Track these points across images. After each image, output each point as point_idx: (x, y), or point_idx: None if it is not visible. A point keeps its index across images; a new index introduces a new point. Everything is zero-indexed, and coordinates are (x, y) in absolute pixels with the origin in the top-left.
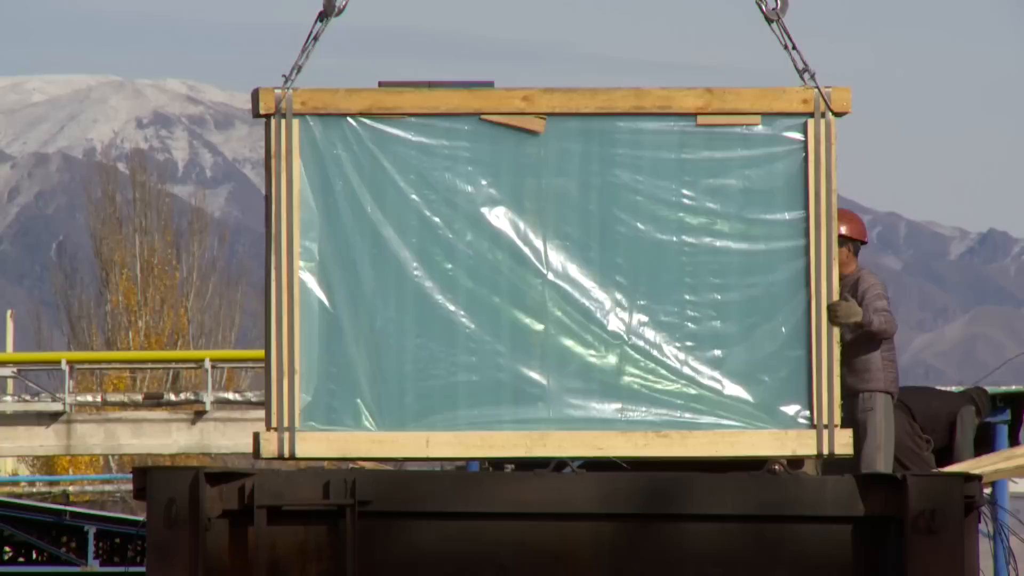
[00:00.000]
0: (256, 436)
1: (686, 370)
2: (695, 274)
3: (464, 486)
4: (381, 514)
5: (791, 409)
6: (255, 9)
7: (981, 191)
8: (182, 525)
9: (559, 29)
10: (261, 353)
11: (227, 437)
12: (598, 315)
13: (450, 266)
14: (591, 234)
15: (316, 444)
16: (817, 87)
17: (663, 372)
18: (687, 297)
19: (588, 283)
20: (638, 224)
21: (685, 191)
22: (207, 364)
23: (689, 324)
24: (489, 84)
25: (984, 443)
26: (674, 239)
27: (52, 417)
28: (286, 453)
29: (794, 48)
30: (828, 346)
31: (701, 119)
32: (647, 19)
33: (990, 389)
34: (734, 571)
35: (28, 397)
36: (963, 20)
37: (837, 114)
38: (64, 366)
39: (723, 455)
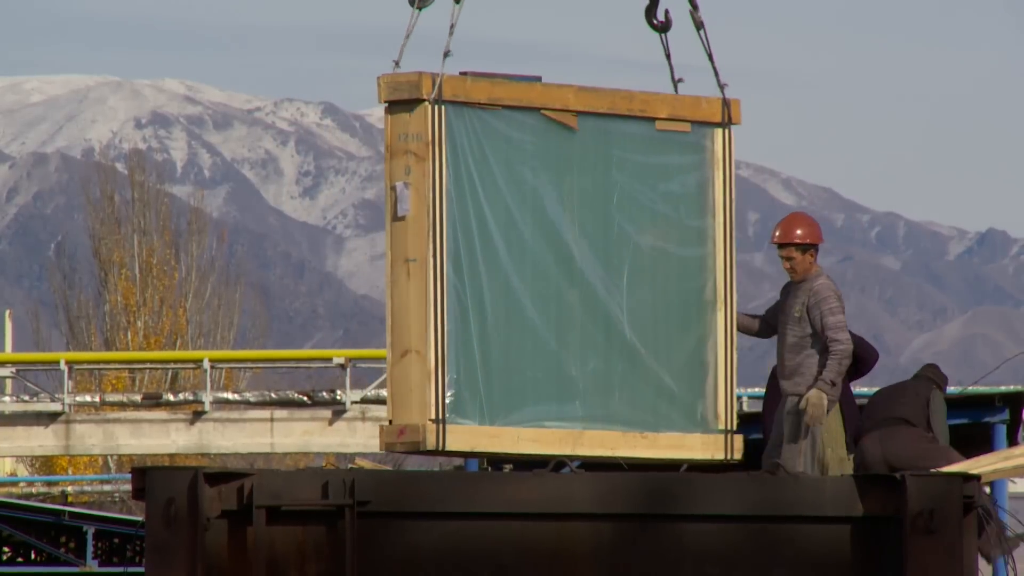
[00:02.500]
0: (403, 428)
1: (643, 374)
2: (654, 279)
3: (463, 486)
4: (380, 514)
5: (710, 414)
6: (255, 9)
7: (980, 191)
8: (181, 525)
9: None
10: (260, 353)
11: (226, 437)
12: (606, 316)
13: (523, 265)
14: (608, 237)
15: (455, 438)
16: (724, 98)
17: (630, 376)
18: (652, 302)
19: (603, 286)
20: (630, 228)
21: (655, 195)
22: (206, 364)
23: (648, 330)
24: (537, 79)
25: (982, 443)
26: (651, 245)
27: (51, 417)
28: (441, 446)
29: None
30: (729, 354)
31: (659, 124)
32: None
33: (989, 389)
34: (734, 571)
35: (27, 397)
36: (963, 20)
37: (734, 125)
38: (63, 366)
39: (654, 457)
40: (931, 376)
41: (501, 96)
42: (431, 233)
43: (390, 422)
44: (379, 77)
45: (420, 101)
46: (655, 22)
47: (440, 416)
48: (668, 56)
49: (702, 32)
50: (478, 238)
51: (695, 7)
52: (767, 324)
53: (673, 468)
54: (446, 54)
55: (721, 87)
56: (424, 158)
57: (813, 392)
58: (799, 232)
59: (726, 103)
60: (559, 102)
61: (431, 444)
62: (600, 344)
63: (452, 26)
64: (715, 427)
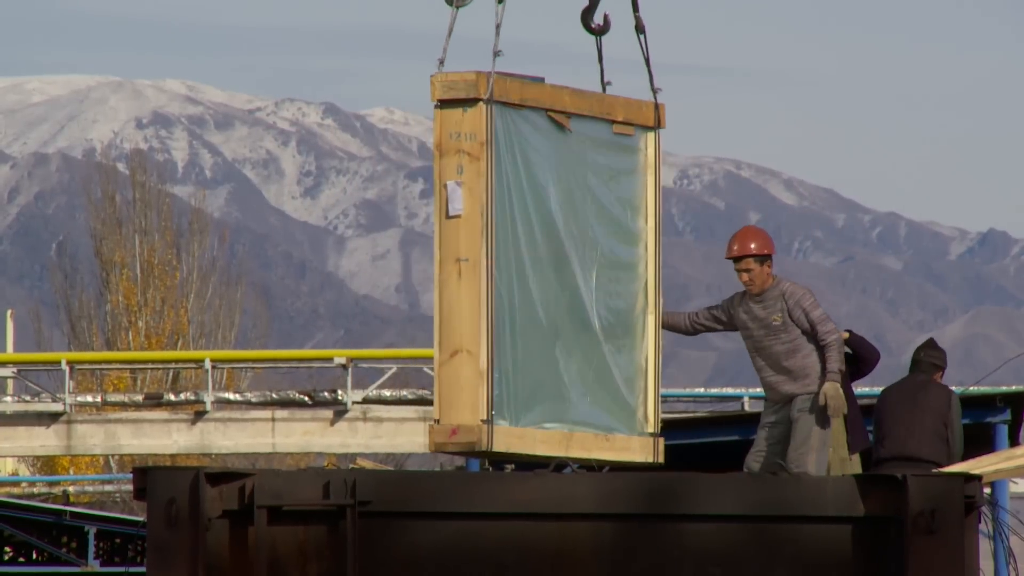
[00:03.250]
0: (455, 428)
1: (604, 378)
2: (612, 282)
3: (464, 486)
4: (381, 514)
5: (645, 417)
6: (255, 9)
7: (981, 191)
8: (182, 525)
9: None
10: (261, 353)
11: (227, 437)
12: (585, 319)
13: (536, 266)
14: (585, 240)
15: (498, 439)
16: (656, 102)
17: (592, 379)
18: (609, 306)
19: (584, 289)
20: (597, 231)
21: (612, 198)
22: (207, 364)
23: (609, 333)
24: (541, 79)
25: (984, 443)
26: (610, 248)
27: (52, 417)
28: (490, 446)
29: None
30: (658, 357)
31: (616, 127)
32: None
33: (990, 389)
34: (734, 571)
35: (28, 397)
36: (963, 20)
37: (661, 129)
38: (64, 366)
39: (604, 459)
40: (934, 362)
41: (526, 97)
42: (484, 233)
43: (437, 422)
44: (432, 76)
45: (476, 100)
46: (593, 25)
47: (489, 416)
48: (600, 59)
49: (642, 36)
50: (511, 238)
51: (636, 8)
52: (698, 324)
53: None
54: (496, 53)
55: (654, 91)
56: (478, 157)
57: (828, 385)
58: (753, 245)
59: (657, 107)
60: (558, 103)
61: (484, 444)
62: (581, 346)
63: (498, 25)
64: (647, 430)
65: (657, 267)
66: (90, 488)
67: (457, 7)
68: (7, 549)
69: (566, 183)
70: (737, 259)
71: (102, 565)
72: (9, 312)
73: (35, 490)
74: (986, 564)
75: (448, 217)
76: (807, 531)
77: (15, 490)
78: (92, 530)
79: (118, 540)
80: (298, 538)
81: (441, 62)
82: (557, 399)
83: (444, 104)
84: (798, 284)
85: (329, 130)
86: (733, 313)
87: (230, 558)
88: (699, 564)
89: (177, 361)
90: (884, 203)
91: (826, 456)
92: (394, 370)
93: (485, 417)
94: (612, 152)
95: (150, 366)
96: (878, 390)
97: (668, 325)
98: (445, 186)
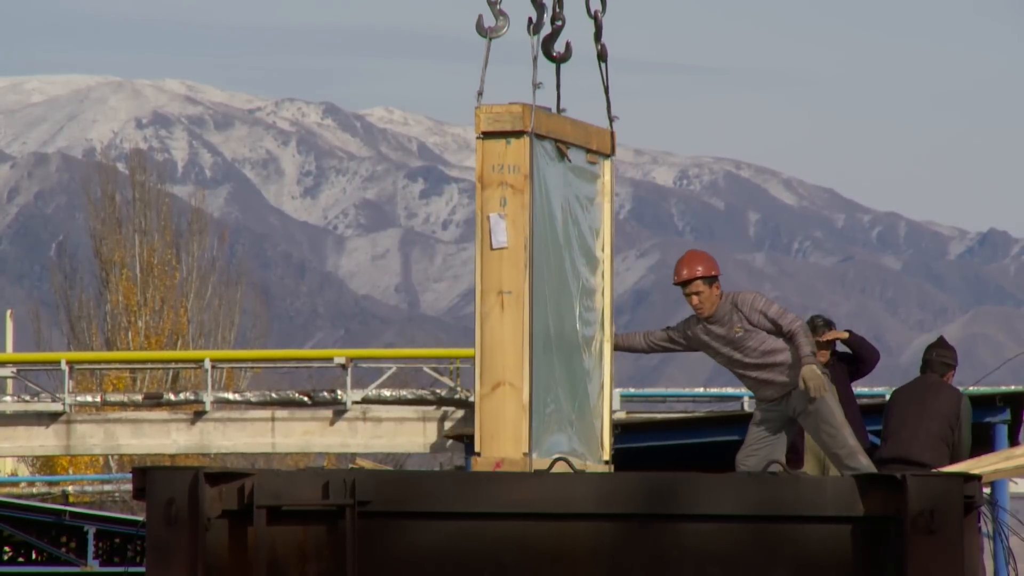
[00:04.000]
0: (499, 461)
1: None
2: (586, 311)
3: (464, 486)
4: (381, 514)
5: (601, 445)
6: (255, 9)
7: (981, 191)
8: (182, 525)
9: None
10: (260, 353)
11: (227, 437)
12: (575, 348)
13: (553, 297)
14: (572, 269)
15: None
16: (612, 130)
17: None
18: (584, 335)
19: (576, 319)
20: (578, 260)
21: (584, 226)
22: (207, 364)
23: (588, 362)
24: (548, 109)
25: (984, 443)
26: (586, 276)
27: (52, 417)
28: None
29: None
30: (611, 385)
31: (588, 156)
32: (642, 19)
33: (990, 389)
34: (734, 571)
35: (28, 397)
36: (963, 20)
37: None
38: (64, 366)
39: None
40: (945, 361)
41: (550, 128)
42: (527, 265)
43: (478, 454)
44: (477, 108)
45: (521, 133)
46: (554, 53)
47: (529, 449)
48: (558, 85)
49: (603, 64)
50: (543, 270)
51: (599, 37)
52: (655, 344)
53: None
54: (536, 86)
55: (611, 119)
56: (522, 190)
57: (805, 368)
58: (700, 268)
59: (613, 135)
60: (563, 132)
61: None
62: (573, 375)
63: (535, 57)
64: (603, 458)
65: (612, 294)
66: (90, 488)
67: (491, 38)
68: (7, 549)
69: (565, 212)
70: (686, 283)
71: (101, 565)
72: (9, 312)
73: (34, 490)
74: (986, 564)
75: (492, 249)
76: (806, 531)
77: (15, 490)
78: (91, 530)
79: (117, 540)
80: (297, 538)
81: (480, 94)
82: (565, 429)
83: (487, 136)
84: (743, 291)
85: (329, 130)
86: (692, 335)
87: (229, 558)
88: (699, 564)
89: (177, 361)
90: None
91: (850, 429)
92: (394, 370)
93: (526, 450)
94: (586, 180)
95: (150, 366)
96: (878, 390)
97: (624, 346)
98: (488, 218)
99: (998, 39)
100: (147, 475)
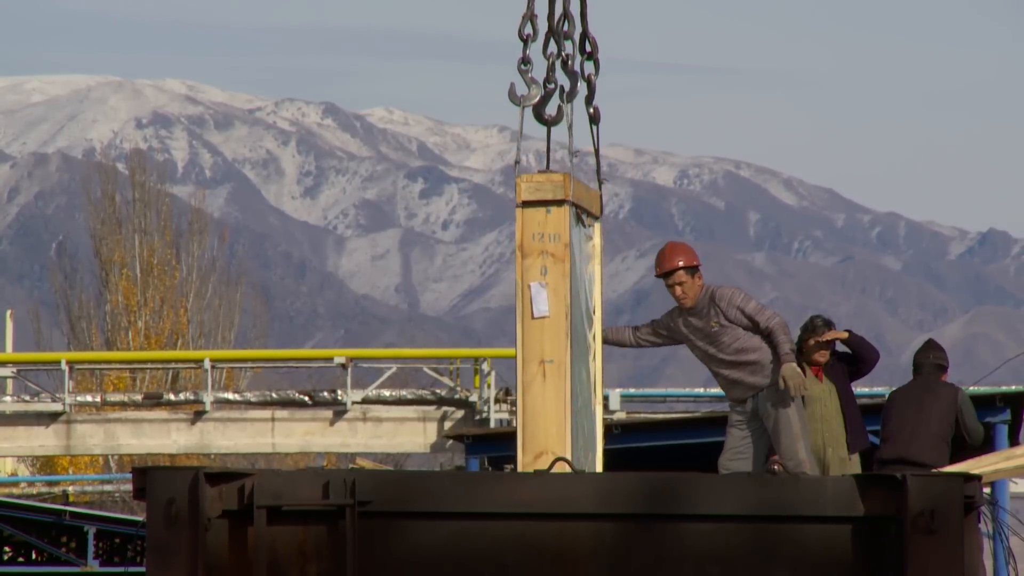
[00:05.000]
0: None
1: None
2: (586, 369)
3: (464, 486)
4: (381, 514)
5: None
6: (255, 9)
7: (981, 191)
8: (182, 525)
9: None
10: (260, 353)
11: (227, 437)
12: (591, 407)
13: (582, 360)
14: (587, 334)
15: None
16: (601, 193)
17: None
18: (582, 397)
19: (590, 378)
20: (583, 320)
21: (588, 284)
22: (207, 364)
23: (587, 426)
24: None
25: (984, 443)
26: (585, 335)
27: (52, 417)
28: None
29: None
30: (602, 433)
31: (587, 218)
32: (642, 19)
33: (990, 389)
34: (734, 571)
35: (28, 397)
36: (963, 20)
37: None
38: (64, 366)
39: None
40: (939, 363)
41: (578, 195)
42: (568, 334)
43: None
44: (518, 179)
45: (562, 202)
46: (546, 116)
47: None
48: (548, 147)
49: (595, 127)
50: (576, 338)
51: (591, 101)
52: (642, 339)
53: None
54: (573, 154)
55: (600, 181)
56: (563, 259)
57: (785, 367)
58: (682, 260)
59: (600, 197)
60: (581, 197)
61: None
62: (585, 440)
63: (570, 125)
64: None
65: (601, 356)
66: (89, 488)
67: (524, 106)
68: (7, 549)
69: (580, 273)
70: (668, 274)
71: (102, 565)
72: (9, 312)
73: (34, 490)
74: (986, 564)
75: (533, 318)
76: (806, 531)
77: (15, 490)
78: (92, 530)
79: (117, 540)
80: (298, 538)
81: (517, 162)
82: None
83: (527, 204)
84: (725, 286)
85: (329, 130)
86: (674, 327)
87: (230, 558)
88: (698, 564)
89: (177, 361)
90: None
91: (809, 442)
92: (394, 370)
93: None
94: (586, 241)
95: (150, 366)
96: (878, 390)
97: (612, 340)
98: (529, 287)
99: (998, 39)
100: (147, 475)
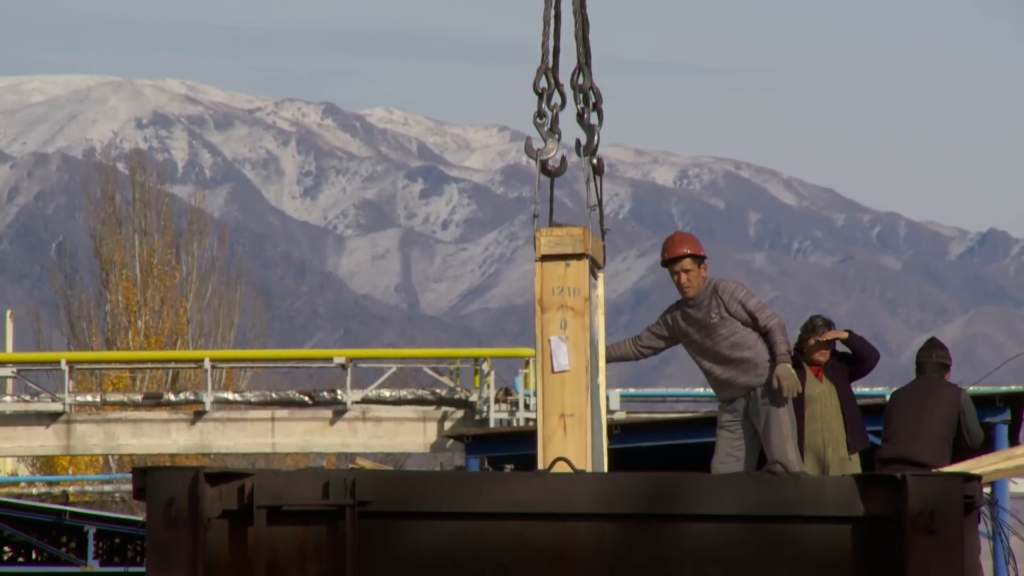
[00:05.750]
0: None
1: None
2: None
3: (464, 486)
4: (381, 514)
5: None
6: (255, 9)
7: (981, 191)
8: (182, 525)
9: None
10: (260, 353)
11: (227, 437)
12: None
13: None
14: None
15: None
16: (604, 243)
17: None
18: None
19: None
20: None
21: (593, 336)
22: (207, 364)
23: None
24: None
25: (984, 443)
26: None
27: (52, 417)
28: None
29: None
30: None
31: (596, 270)
32: (642, 19)
33: (990, 389)
34: (734, 571)
35: (28, 397)
36: (964, 20)
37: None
38: (64, 366)
39: None
40: (942, 362)
41: (593, 249)
42: (588, 387)
43: None
44: (537, 233)
45: (582, 256)
46: (550, 167)
47: None
48: (552, 199)
49: (599, 178)
50: (593, 390)
51: (594, 152)
52: (642, 347)
53: None
54: (591, 208)
55: (604, 232)
56: (582, 313)
57: (780, 367)
58: (687, 249)
59: (604, 248)
60: (594, 250)
61: None
62: None
63: (587, 180)
64: None
65: (605, 411)
66: (89, 488)
67: (540, 160)
68: (7, 549)
69: (593, 325)
70: (674, 261)
71: (102, 565)
72: (9, 312)
73: (34, 490)
74: (986, 564)
75: (553, 373)
76: (806, 531)
77: (15, 490)
78: (92, 530)
79: (117, 540)
80: (298, 538)
81: (535, 216)
82: None
83: (546, 258)
84: (727, 279)
85: (329, 130)
86: (672, 323)
87: (229, 558)
88: (699, 564)
89: (176, 361)
90: (884, 203)
91: (797, 443)
92: (393, 370)
93: None
94: (593, 291)
95: (149, 366)
96: (878, 390)
97: (615, 357)
98: (549, 341)
99: (998, 39)
100: (147, 475)
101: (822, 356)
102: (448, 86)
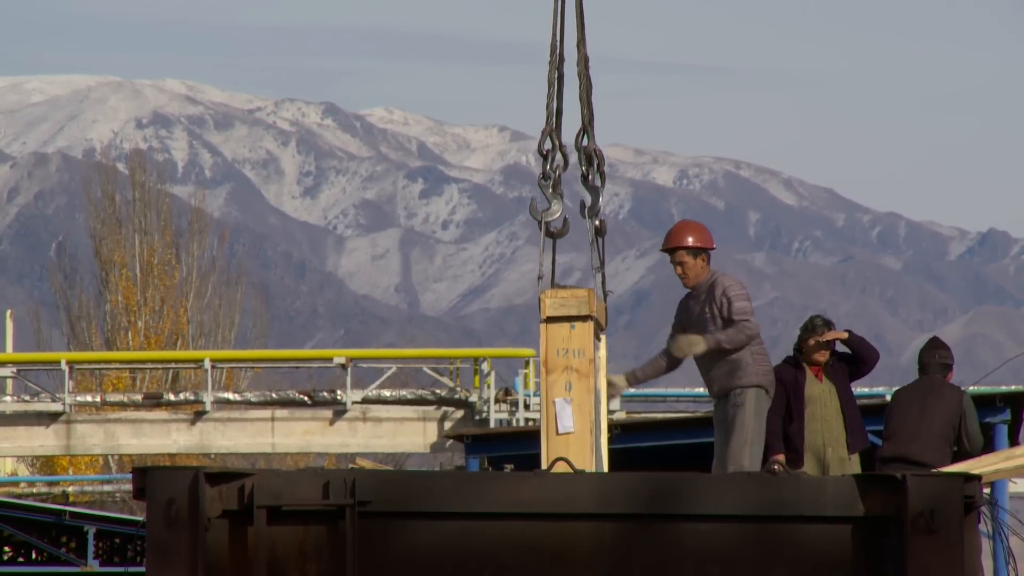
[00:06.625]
0: None
1: None
2: None
3: (464, 486)
4: (381, 514)
5: None
6: (255, 9)
7: (981, 191)
8: (182, 525)
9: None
10: (260, 353)
11: (227, 437)
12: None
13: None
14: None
15: None
16: (605, 304)
17: None
18: None
19: None
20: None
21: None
22: (207, 364)
23: None
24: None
25: (985, 443)
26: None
27: (52, 417)
28: None
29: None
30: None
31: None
32: (642, 19)
33: (990, 389)
34: (734, 571)
35: (28, 397)
36: (964, 20)
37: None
38: (64, 366)
39: None
40: (944, 362)
41: (597, 310)
42: (594, 448)
43: None
44: (542, 294)
45: (587, 318)
46: (552, 228)
47: None
48: (553, 262)
49: (601, 240)
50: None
51: (597, 212)
52: (672, 357)
53: None
54: (597, 269)
55: (606, 294)
56: (587, 375)
57: (693, 337)
58: (690, 239)
59: (606, 310)
60: (597, 311)
61: None
62: None
63: (592, 242)
64: None
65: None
66: (89, 488)
67: (544, 221)
68: (7, 549)
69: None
70: (671, 251)
71: (101, 565)
72: (9, 312)
73: (35, 490)
74: (986, 564)
75: (558, 434)
76: (806, 531)
77: (15, 490)
78: (92, 530)
79: (117, 540)
80: (298, 538)
81: (540, 278)
82: None
83: (551, 320)
84: (728, 275)
85: (329, 130)
86: (683, 316)
87: (230, 558)
88: (698, 564)
89: (176, 361)
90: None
91: (761, 449)
92: (393, 370)
93: None
94: (596, 353)
95: (149, 366)
96: (878, 390)
97: (654, 372)
98: (554, 403)
99: (998, 39)
100: (147, 475)
101: (822, 356)
102: (448, 86)
